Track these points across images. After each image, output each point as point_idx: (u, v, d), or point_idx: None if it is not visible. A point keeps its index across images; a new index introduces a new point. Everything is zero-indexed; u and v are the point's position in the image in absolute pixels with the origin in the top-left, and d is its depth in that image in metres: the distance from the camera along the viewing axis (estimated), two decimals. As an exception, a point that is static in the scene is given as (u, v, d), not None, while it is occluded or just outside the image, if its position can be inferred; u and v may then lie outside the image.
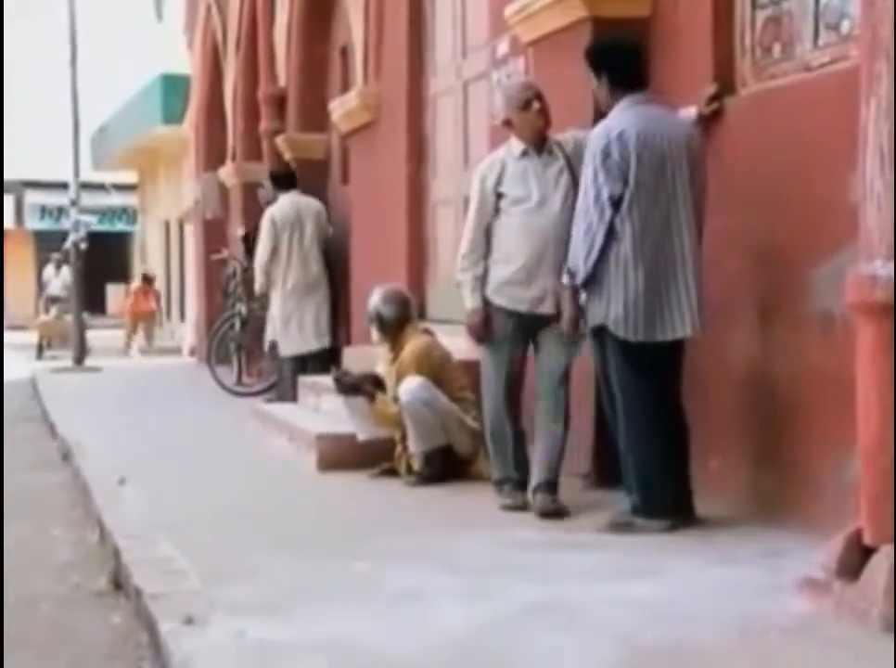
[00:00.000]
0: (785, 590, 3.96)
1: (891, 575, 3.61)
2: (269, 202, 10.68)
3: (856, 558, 3.78)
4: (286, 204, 10.26)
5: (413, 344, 6.57)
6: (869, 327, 3.74)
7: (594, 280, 5.03)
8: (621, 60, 5.19)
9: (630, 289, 4.95)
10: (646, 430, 5.01)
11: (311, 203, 10.44)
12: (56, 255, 22.33)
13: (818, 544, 4.05)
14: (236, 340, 12.27)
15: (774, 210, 5.13)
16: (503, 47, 7.47)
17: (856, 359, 3.80)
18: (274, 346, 10.40)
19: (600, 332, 5.08)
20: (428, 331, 6.85)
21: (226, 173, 14.77)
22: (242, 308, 12.09)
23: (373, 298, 6.84)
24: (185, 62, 18.02)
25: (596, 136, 5.04)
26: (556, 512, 5.43)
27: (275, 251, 10.10)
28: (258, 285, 10.34)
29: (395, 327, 6.70)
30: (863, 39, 3.84)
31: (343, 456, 6.93)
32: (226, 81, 14.93)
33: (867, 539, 3.75)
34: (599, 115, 5.92)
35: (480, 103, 8.02)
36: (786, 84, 5.21)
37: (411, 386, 6.38)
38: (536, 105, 5.61)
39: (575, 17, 6.07)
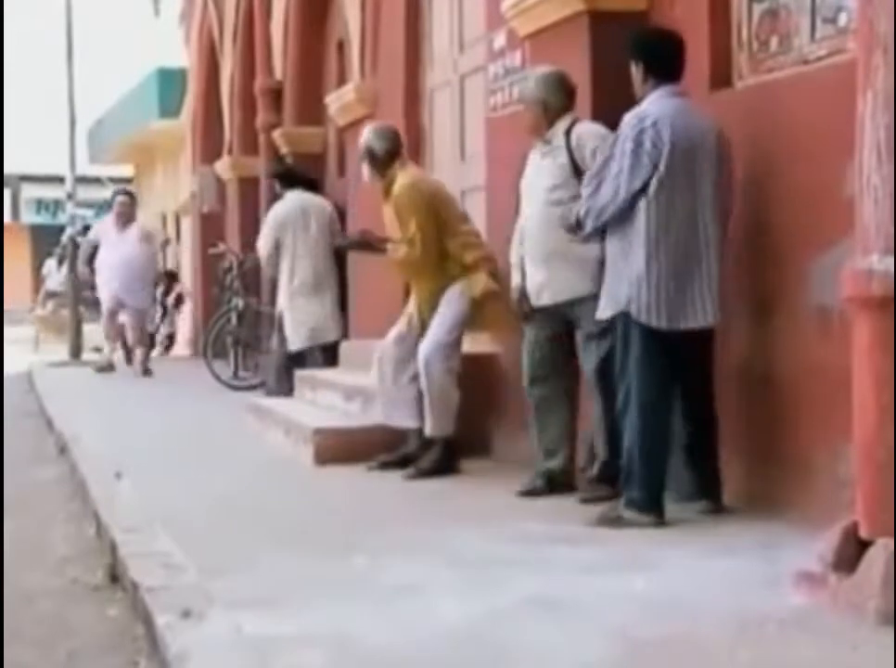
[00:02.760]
0: (782, 583, 3.96)
1: (888, 568, 3.62)
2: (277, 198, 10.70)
3: (853, 550, 3.78)
4: (291, 201, 10.24)
5: (400, 180, 6.66)
6: (866, 320, 3.74)
7: (614, 265, 5.06)
8: (660, 49, 5.20)
9: (654, 275, 4.94)
10: (656, 422, 5.00)
11: (318, 201, 10.41)
12: (57, 249, 22.27)
13: (815, 536, 4.05)
14: (232, 334, 12.27)
15: (770, 203, 5.13)
16: (500, 41, 7.45)
17: (853, 353, 3.80)
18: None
19: (619, 319, 5.06)
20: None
21: (223, 166, 14.76)
22: (239, 302, 12.08)
23: (364, 134, 6.93)
24: (182, 56, 18.00)
25: (629, 124, 5.00)
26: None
27: (278, 247, 10.09)
28: (267, 275, 10.42)
29: (386, 161, 6.76)
30: (860, 32, 3.84)
31: (340, 450, 6.93)
32: (223, 74, 14.91)
33: (864, 532, 3.76)
34: (597, 106, 5.95)
35: (477, 96, 8.00)
36: (783, 78, 5.21)
37: (427, 349, 6.48)
38: None
39: (572, 10, 6.07)
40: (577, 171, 5.60)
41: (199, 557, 4.62)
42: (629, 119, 5.04)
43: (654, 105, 5.06)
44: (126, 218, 13.77)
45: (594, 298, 5.36)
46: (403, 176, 6.69)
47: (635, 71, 5.21)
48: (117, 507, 5.76)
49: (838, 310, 4.42)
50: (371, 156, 6.79)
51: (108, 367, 13.72)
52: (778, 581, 3.99)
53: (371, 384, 6.96)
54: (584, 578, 4.21)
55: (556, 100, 5.79)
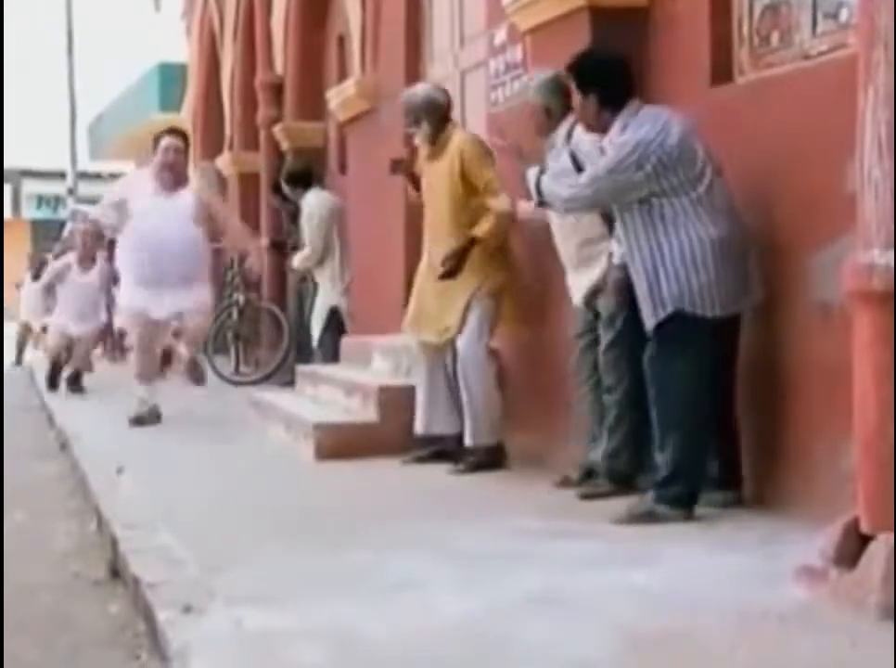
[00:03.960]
0: (782, 578, 3.96)
1: (889, 563, 3.62)
2: (285, 201, 10.64)
3: (854, 545, 3.78)
4: (322, 198, 10.19)
5: (460, 135, 6.61)
6: (867, 315, 3.74)
7: (650, 271, 4.96)
8: (612, 76, 5.15)
9: (706, 265, 4.92)
10: (703, 417, 4.99)
11: (334, 198, 10.37)
12: (58, 245, 22.23)
13: (816, 531, 4.05)
14: (233, 330, 12.27)
15: (770, 198, 5.12)
16: (500, 36, 7.45)
17: (854, 347, 3.80)
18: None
19: (666, 322, 4.98)
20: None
21: (224, 162, 14.75)
22: (240, 298, 12.09)
23: (418, 90, 6.80)
24: (183, 51, 18.00)
25: (651, 150, 4.89)
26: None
27: (326, 249, 10.02)
28: (302, 269, 10.29)
29: (444, 118, 6.64)
30: (861, 28, 3.84)
31: (341, 445, 6.94)
32: (224, 69, 14.90)
33: (865, 527, 3.76)
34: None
35: (478, 91, 8.00)
36: (784, 73, 5.21)
37: (466, 344, 6.41)
38: None
39: (573, 5, 6.06)
40: (580, 172, 5.60)
41: (201, 552, 4.62)
42: (646, 143, 4.89)
43: (653, 123, 4.95)
44: (177, 176, 8.76)
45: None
46: (462, 132, 6.69)
47: (584, 103, 5.14)
48: (118, 503, 5.77)
49: (839, 305, 4.42)
50: (434, 110, 6.59)
51: (151, 417, 8.95)
52: (779, 576, 3.99)
53: (371, 380, 6.96)
54: (585, 573, 4.21)
55: (558, 104, 5.79)
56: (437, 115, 6.61)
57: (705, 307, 4.94)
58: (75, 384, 11.82)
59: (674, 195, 4.92)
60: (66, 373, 11.92)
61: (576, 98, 5.21)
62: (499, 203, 6.39)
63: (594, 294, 5.68)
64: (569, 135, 5.70)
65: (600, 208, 5.34)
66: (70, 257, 12.56)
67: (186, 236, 8.58)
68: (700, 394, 4.96)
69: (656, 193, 4.92)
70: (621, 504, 5.24)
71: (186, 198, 8.71)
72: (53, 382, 12.04)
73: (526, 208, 6.12)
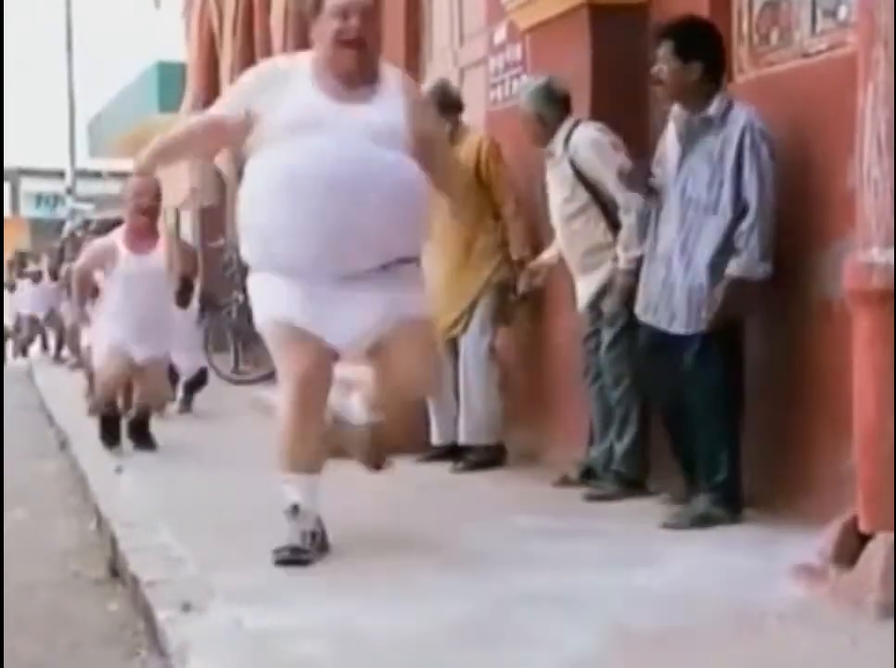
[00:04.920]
0: (781, 577, 3.96)
1: (888, 562, 3.62)
2: None
3: (853, 545, 3.78)
4: None
5: (476, 134, 6.65)
6: (866, 314, 3.74)
7: (713, 271, 4.87)
8: (719, 47, 5.00)
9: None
10: (736, 417, 4.97)
11: None
12: (57, 244, 22.24)
13: (815, 530, 4.06)
14: (233, 328, 12.27)
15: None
16: (500, 34, 7.44)
17: (853, 346, 3.80)
18: None
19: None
20: None
21: (222, 160, 14.74)
22: (239, 296, 12.08)
23: (431, 82, 6.81)
24: (182, 49, 17.98)
25: (769, 139, 4.80)
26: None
27: None
28: None
29: (459, 110, 6.67)
30: (860, 25, 3.84)
31: (339, 444, 6.91)
32: (223, 68, 14.90)
33: (863, 526, 3.76)
34: (596, 100, 5.92)
35: (478, 90, 7.99)
36: (783, 71, 5.20)
37: (469, 342, 6.42)
38: None
39: (573, 3, 6.06)
40: (582, 180, 5.59)
41: (200, 550, 4.62)
42: (764, 131, 4.80)
43: (751, 110, 4.86)
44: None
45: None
46: (476, 131, 6.74)
47: (684, 69, 4.86)
48: (117, 501, 5.77)
49: (839, 303, 4.42)
50: (453, 104, 6.61)
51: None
52: (778, 575, 3.99)
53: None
54: (585, 572, 4.21)
55: (551, 111, 5.77)
56: (455, 109, 6.63)
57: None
58: (141, 435, 7.80)
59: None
60: (128, 418, 7.92)
61: (664, 67, 4.87)
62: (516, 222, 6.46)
63: (599, 296, 5.66)
64: (567, 142, 5.68)
65: None
66: (116, 235, 7.91)
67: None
68: (734, 400, 4.96)
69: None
70: (626, 506, 5.29)
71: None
72: (111, 435, 7.66)
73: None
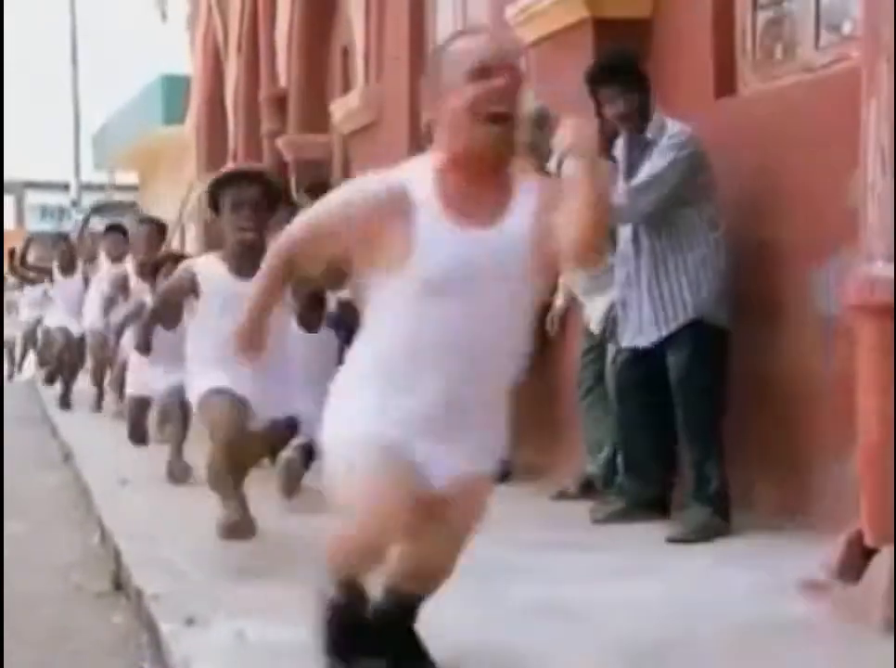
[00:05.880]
0: (785, 591, 3.95)
1: (892, 577, 3.61)
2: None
3: (857, 559, 3.78)
4: None
5: None
6: (869, 327, 3.74)
7: (661, 281, 5.04)
8: (647, 79, 5.20)
9: (722, 274, 5.00)
10: (719, 429, 5.01)
11: None
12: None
13: (819, 544, 4.05)
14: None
15: (775, 210, 5.13)
16: (504, 48, 7.45)
17: (856, 360, 3.80)
18: None
19: (686, 331, 5.01)
20: None
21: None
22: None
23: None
24: (187, 62, 18.03)
25: (681, 142, 5.02)
26: None
27: None
28: None
29: None
30: (864, 40, 3.85)
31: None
32: (227, 81, 14.93)
33: (868, 540, 3.75)
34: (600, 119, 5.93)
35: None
36: (787, 86, 5.21)
37: None
38: None
39: (576, 17, 6.08)
40: None
41: (203, 564, 4.62)
42: (683, 138, 4.99)
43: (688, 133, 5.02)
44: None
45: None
46: None
47: (629, 103, 5.09)
48: (121, 514, 5.76)
49: (841, 316, 4.42)
50: None
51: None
52: (782, 589, 3.99)
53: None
54: (589, 585, 4.20)
55: (542, 137, 5.76)
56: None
57: (719, 318, 4.99)
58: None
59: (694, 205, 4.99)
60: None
61: (619, 106, 5.11)
62: None
63: (613, 320, 5.65)
64: (559, 166, 5.67)
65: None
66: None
67: None
68: (722, 409, 5.01)
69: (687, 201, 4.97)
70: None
71: None
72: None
73: None
